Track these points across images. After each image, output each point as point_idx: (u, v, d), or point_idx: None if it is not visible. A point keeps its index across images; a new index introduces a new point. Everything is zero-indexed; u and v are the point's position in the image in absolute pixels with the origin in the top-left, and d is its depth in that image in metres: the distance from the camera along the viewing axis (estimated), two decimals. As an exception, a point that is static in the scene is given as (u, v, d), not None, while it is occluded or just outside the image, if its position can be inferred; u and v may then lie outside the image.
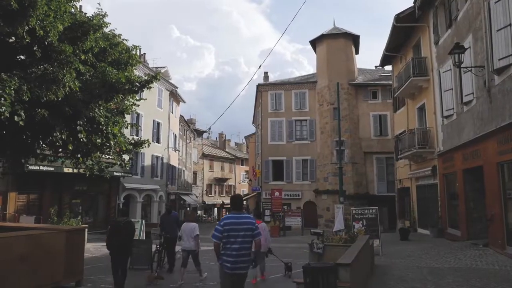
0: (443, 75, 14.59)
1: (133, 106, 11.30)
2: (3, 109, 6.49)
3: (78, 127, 8.48)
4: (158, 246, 10.44)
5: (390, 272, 9.14)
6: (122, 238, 7.43)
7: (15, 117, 6.87)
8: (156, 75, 10.47)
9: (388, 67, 25.56)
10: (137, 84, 10.02)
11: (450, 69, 13.74)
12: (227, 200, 56.71)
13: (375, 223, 13.03)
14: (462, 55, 10.85)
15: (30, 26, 7.28)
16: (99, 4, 9.60)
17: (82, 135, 8.51)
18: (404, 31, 18.51)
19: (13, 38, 7.61)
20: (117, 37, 9.96)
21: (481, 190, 11.97)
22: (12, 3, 6.69)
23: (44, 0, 7.33)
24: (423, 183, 17.92)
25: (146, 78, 10.34)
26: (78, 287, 8.12)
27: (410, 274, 8.69)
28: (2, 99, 6.47)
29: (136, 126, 12.66)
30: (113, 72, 9.00)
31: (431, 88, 16.52)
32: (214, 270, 9.95)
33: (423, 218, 18.06)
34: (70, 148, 8.85)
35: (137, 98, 11.53)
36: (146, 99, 14.66)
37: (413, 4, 16.60)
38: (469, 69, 11.35)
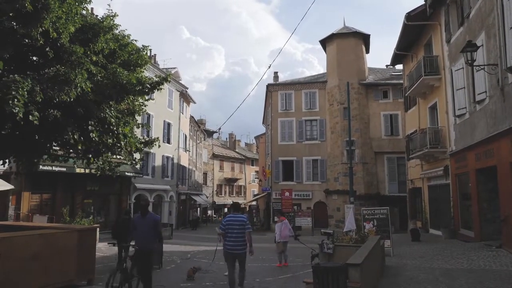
0: (455, 73, 14.40)
1: (142, 107, 11.37)
2: (17, 110, 6.59)
3: (90, 127, 8.59)
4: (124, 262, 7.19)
5: (401, 273, 9.05)
6: (120, 232, 10.24)
7: (30, 116, 6.98)
8: (166, 77, 10.54)
9: (399, 66, 25.32)
10: (148, 85, 10.10)
11: (463, 68, 13.55)
12: (237, 201, 56.85)
13: (386, 223, 12.91)
14: (475, 53, 10.69)
15: (44, 28, 7.39)
16: (108, 5, 9.70)
17: (94, 135, 8.62)
18: (415, 29, 18.32)
19: (27, 40, 7.74)
20: (126, 38, 10.04)
21: (494, 190, 11.79)
22: (26, 4, 6.80)
23: (57, 2, 7.44)
24: (435, 183, 17.71)
25: (156, 79, 10.42)
26: (90, 286, 8.21)
27: (422, 275, 8.59)
28: (16, 100, 6.57)
29: (146, 126, 12.75)
30: (124, 73, 9.09)
31: (443, 87, 16.32)
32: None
33: (435, 218, 17.84)
34: (81, 147, 8.93)
35: (146, 98, 11.62)
36: (154, 99, 14.80)
37: (424, 2, 16.42)
38: (482, 67, 11.18)
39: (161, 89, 10.47)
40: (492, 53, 11.31)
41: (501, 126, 10.77)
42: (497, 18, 10.68)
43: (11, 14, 7.08)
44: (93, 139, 8.66)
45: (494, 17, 10.98)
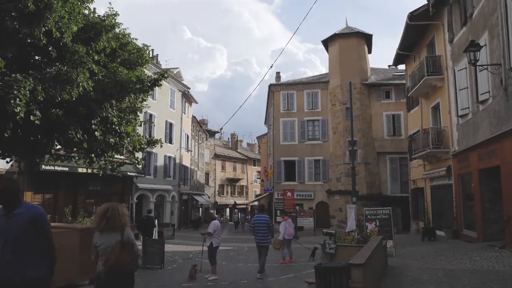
0: (458, 73, 14.34)
1: (142, 103, 11.38)
2: (18, 109, 6.60)
3: (93, 126, 8.59)
4: None
5: (404, 273, 9.01)
6: (144, 226, 13.72)
7: (31, 116, 6.98)
8: (164, 73, 10.55)
9: (402, 66, 25.25)
10: (148, 83, 10.10)
11: (465, 68, 13.49)
12: (239, 201, 56.83)
13: (388, 223, 12.87)
14: (478, 53, 10.63)
15: (46, 27, 7.40)
16: (110, 3, 9.71)
17: (98, 133, 8.62)
18: (418, 29, 18.25)
19: (29, 39, 7.74)
20: (127, 37, 10.05)
21: (497, 190, 11.72)
22: (29, 4, 6.81)
23: (60, 2, 7.45)
24: (437, 184, 17.64)
25: (155, 76, 10.44)
26: (92, 285, 8.19)
27: (425, 276, 8.55)
28: (18, 99, 6.58)
29: (148, 122, 12.79)
30: (123, 72, 9.09)
31: (445, 87, 16.26)
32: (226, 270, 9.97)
33: (437, 219, 17.78)
34: (85, 146, 8.91)
35: (146, 96, 11.64)
36: (152, 96, 14.83)
37: (427, 2, 16.36)
38: (485, 67, 11.12)
39: (160, 85, 10.48)
40: (495, 52, 11.25)
41: (505, 126, 10.71)
42: (500, 18, 10.63)
43: (13, 14, 7.09)
44: (98, 137, 8.66)
45: (497, 17, 10.92)
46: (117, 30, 9.90)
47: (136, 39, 10.30)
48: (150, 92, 11.34)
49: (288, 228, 12.71)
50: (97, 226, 4.24)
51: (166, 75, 10.64)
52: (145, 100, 11.62)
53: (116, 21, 9.66)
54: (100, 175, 11.53)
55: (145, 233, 13.80)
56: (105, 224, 4.14)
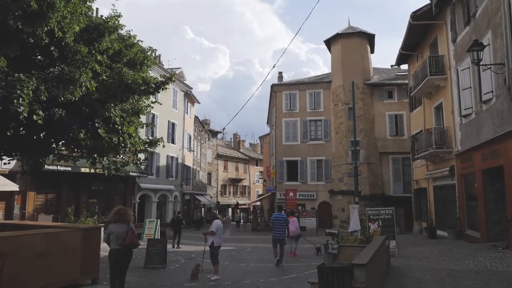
0: (461, 73, 14.29)
1: (148, 108, 11.39)
2: (22, 109, 6.61)
3: (96, 125, 8.60)
4: None
5: (407, 273, 8.99)
6: (175, 223, 17.50)
7: (34, 116, 6.99)
8: (171, 77, 10.54)
9: (404, 66, 25.20)
10: (153, 85, 10.10)
11: (469, 67, 13.45)
12: (241, 201, 56.82)
13: (391, 224, 12.82)
14: (481, 52, 10.59)
15: (49, 27, 7.41)
16: (113, 5, 9.70)
17: (102, 131, 8.64)
18: (421, 29, 18.21)
19: (32, 39, 7.75)
20: (132, 38, 10.05)
21: (501, 190, 11.67)
22: (32, 3, 6.82)
23: (62, 2, 7.46)
24: (440, 184, 17.59)
25: (161, 79, 10.41)
26: (94, 285, 8.21)
27: (428, 276, 8.52)
28: (21, 99, 6.59)
29: (151, 125, 12.76)
30: (129, 73, 9.09)
31: (448, 87, 16.20)
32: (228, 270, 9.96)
33: (440, 219, 17.72)
34: (88, 144, 8.89)
35: (153, 101, 11.67)
36: (161, 104, 14.93)
37: (429, 2, 16.32)
38: (488, 66, 11.08)
39: (166, 88, 10.46)
40: (498, 52, 11.20)
41: (508, 126, 10.66)
42: (503, 17, 10.59)
43: (16, 13, 7.10)
44: (102, 135, 8.67)
45: (500, 16, 10.88)
46: (120, 31, 9.90)
47: (141, 41, 10.30)
48: (155, 95, 11.33)
49: (290, 226, 13.49)
50: (112, 219, 6.62)
51: (173, 79, 10.63)
52: (151, 107, 11.65)
53: (120, 22, 9.66)
54: (106, 174, 11.51)
55: (174, 231, 16.63)
56: (117, 217, 6.56)
